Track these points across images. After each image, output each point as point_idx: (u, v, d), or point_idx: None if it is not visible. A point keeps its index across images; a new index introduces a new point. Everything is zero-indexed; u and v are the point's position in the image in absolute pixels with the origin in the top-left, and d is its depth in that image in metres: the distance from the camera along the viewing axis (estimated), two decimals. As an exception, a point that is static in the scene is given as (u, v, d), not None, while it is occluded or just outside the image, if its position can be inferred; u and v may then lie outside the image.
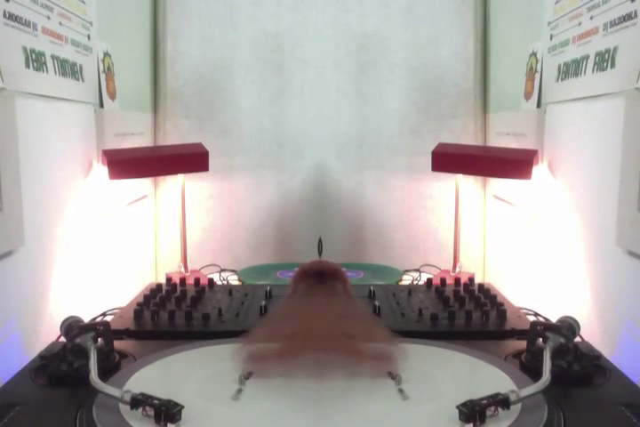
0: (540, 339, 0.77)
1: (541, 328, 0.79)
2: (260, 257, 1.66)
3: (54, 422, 0.63)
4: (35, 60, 0.94)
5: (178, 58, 1.65)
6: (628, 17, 0.89)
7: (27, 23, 0.91)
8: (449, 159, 1.42)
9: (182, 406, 0.60)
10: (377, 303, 0.99)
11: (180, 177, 1.49)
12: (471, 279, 1.17)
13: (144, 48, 1.61)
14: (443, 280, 1.14)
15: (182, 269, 1.50)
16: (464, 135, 1.67)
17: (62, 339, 0.80)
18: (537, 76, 1.26)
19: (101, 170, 1.22)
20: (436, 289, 1.11)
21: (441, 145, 1.46)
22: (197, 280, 1.14)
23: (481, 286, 1.12)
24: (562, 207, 1.16)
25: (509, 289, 1.20)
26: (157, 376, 0.75)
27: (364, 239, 1.71)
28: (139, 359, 0.78)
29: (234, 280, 1.44)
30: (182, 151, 1.46)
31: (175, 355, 0.79)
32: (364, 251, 1.70)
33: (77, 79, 1.12)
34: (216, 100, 1.66)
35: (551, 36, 1.20)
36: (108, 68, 1.28)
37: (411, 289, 1.12)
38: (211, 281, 1.16)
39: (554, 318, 0.85)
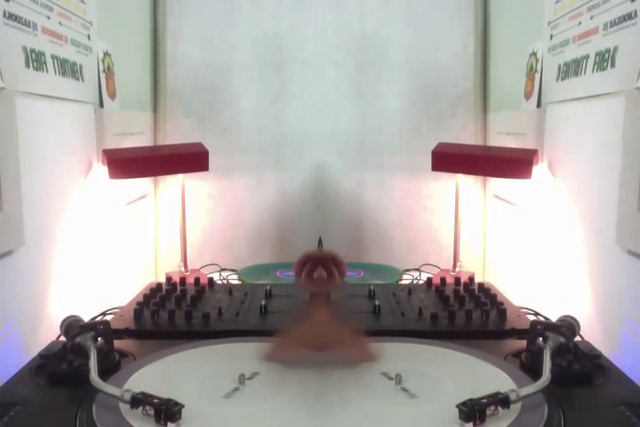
0: (540, 338, 0.78)
1: (541, 328, 0.79)
2: (259, 257, 1.66)
3: (54, 421, 0.63)
4: (35, 59, 0.94)
5: (178, 58, 1.65)
6: (628, 17, 0.89)
7: (27, 23, 0.91)
8: (449, 159, 1.42)
9: (182, 406, 0.60)
10: (377, 303, 0.99)
11: (180, 177, 1.49)
12: (471, 279, 1.17)
13: (144, 48, 1.61)
14: (443, 280, 1.14)
15: (182, 269, 1.50)
16: (464, 135, 1.67)
17: (62, 338, 0.80)
18: (537, 76, 1.27)
19: (101, 169, 1.22)
20: (435, 288, 1.11)
21: (441, 145, 1.46)
22: (197, 280, 1.14)
23: (481, 285, 1.12)
24: (562, 207, 1.16)
25: (509, 288, 1.20)
26: (157, 376, 0.75)
27: (363, 239, 1.71)
28: (139, 359, 0.78)
29: (234, 280, 1.44)
30: (182, 151, 1.46)
31: (175, 354, 0.79)
32: (364, 250, 1.70)
33: (77, 79, 1.12)
34: (216, 100, 1.66)
35: (551, 36, 1.20)
36: (108, 68, 1.28)
37: (411, 288, 1.12)
38: (211, 280, 1.16)
39: (554, 318, 0.85)
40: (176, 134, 1.66)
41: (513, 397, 0.62)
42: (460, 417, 0.60)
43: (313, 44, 1.63)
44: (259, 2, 1.64)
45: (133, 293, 1.11)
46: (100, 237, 1.24)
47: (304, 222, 1.66)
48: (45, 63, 0.98)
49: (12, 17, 0.86)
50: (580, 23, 1.06)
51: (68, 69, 1.08)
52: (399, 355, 0.78)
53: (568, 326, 0.80)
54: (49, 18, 0.99)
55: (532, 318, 0.95)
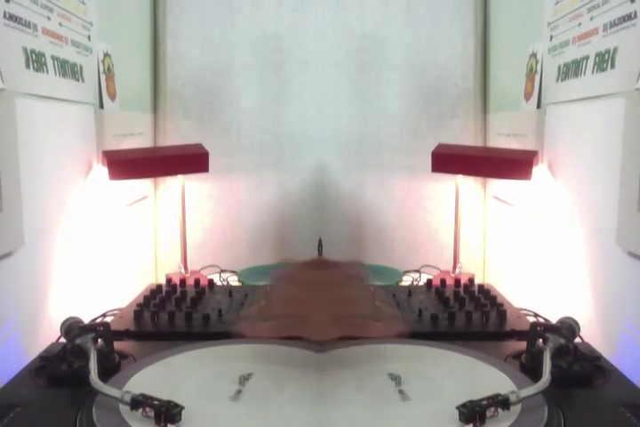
0: (540, 340, 0.77)
1: (541, 329, 0.79)
2: (260, 257, 1.66)
3: (54, 422, 0.63)
4: (35, 60, 0.94)
5: (178, 58, 1.65)
6: (628, 17, 0.89)
7: (27, 24, 0.91)
8: (449, 160, 1.42)
9: (182, 407, 0.60)
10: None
11: (180, 178, 1.49)
12: (471, 280, 1.17)
13: (144, 48, 1.61)
14: (443, 281, 1.14)
15: (182, 270, 1.50)
16: (464, 136, 1.67)
17: (62, 340, 0.80)
18: (537, 77, 1.26)
19: (101, 171, 1.22)
20: (436, 290, 1.11)
21: (441, 146, 1.46)
22: (197, 281, 1.15)
23: (481, 286, 1.12)
24: (562, 208, 1.16)
25: (509, 290, 1.20)
26: (157, 377, 0.75)
27: (364, 240, 1.71)
28: (139, 360, 0.78)
29: (234, 281, 1.44)
30: (182, 152, 1.46)
31: (175, 356, 0.79)
32: (364, 251, 1.70)
33: (77, 80, 1.12)
34: (216, 101, 1.66)
35: (551, 37, 1.20)
36: (108, 69, 1.28)
37: (411, 290, 1.12)
38: (211, 282, 1.16)
39: (554, 319, 0.85)
40: (176, 135, 1.66)
41: (513, 398, 0.62)
42: (460, 419, 0.60)
43: (313, 44, 1.63)
44: (259, 2, 1.64)
45: (133, 294, 1.11)
46: (100, 238, 1.24)
47: (304, 223, 1.65)
48: (45, 64, 0.98)
49: (12, 18, 0.86)
50: (579, 24, 1.06)
51: (69, 70, 1.08)
52: (399, 356, 0.78)
53: (568, 328, 0.79)
54: (49, 19, 0.99)
55: (532, 319, 0.96)
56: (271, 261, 1.61)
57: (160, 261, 1.70)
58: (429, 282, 1.16)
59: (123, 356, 0.80)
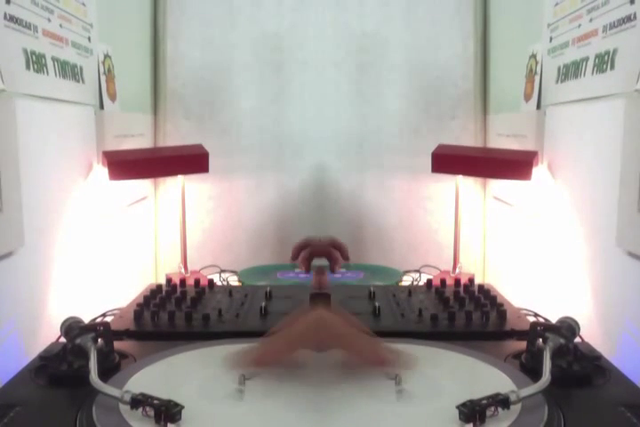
0: (540, 339, 0.77)
1: (541, 329, 0.79)
2: (260, 258, 1.66)
3: (54, 422, 0.63)
4: (35, 61, 0.94)
5: (178, 59, 1.66)
6: (628, 19, 0.89)
7: (27, 25, 0.91)
8: (449, 161, 1.43)
9: (182, 407, 0.60)
10: (377, 304, 0.99)
11: (180, 178, 1.49)
12: (471, 280, 1.17)
13: (144, 49, 1.61)
14: (443, 281, 1.14)
15: (182, 270, 1.50)
16: (464, 136, 1.67)
17: (62, 339, 0.80)
18: (537, 78, 1.27)
19: (101, 171, 1.22)
20: (436, 290, 1.11)
21: (441, 146, 1.46)
22: (197, 281, 1.15)
23: (481, 286, 1.12)
24: (562, 208, 1.16)
25: (509, 290, 1.21)
26: (157, 377, 0.75)
27: (363, 240, 1.71)
28: (139, 360, 0.78)
29: (234, 281, 1.44)
30: (182, 152, 1.46)
31: (175, 355, 0.79)
32: (364, 251, 1.70)
33: (78, 81, 1.13)
34: (216, 101, 1.66)
35: (551, 38, 1.20)
36: (109, 70, 1.29)
37: (411, 290, 1.12)
38: (211, 282, 1.16)
39: (554, 319, 0.85)
40: (176, 135, 1.66)
41: (513, 398, 0.62)
42: (460, 418, 0.60)
43: (313, 45, 1.63)
44: (259, 2, 1.64)
45: (133, 294, 1.12)
46: (100, 238, 1.24)
47: (304, 223, 1.66)
48: (46, 65, 0.98)
49: (12, 19, 0.86)
50: (579, 25, 1.07)
51: (69, 71, 1.08)
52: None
53: (568, 328, 0.80)
54: (49, 20, 1.00)
55: (532, 319, 0.96)
56: (271, 262, 1.62)
57: (160, 262, 1.70)
58: (429, 282, 1.16)
59: (123, 356, 0.80)
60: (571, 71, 1.10)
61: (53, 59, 1.01)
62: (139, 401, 0.61)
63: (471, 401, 0.60)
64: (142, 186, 1.56)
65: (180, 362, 0.78)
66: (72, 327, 0.79)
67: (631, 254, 0.89)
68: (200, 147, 1.46)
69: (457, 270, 1.50)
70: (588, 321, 0.98)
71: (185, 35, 1.65)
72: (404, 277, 1.47)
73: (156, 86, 1.66)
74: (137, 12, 1.57)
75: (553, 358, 0.72)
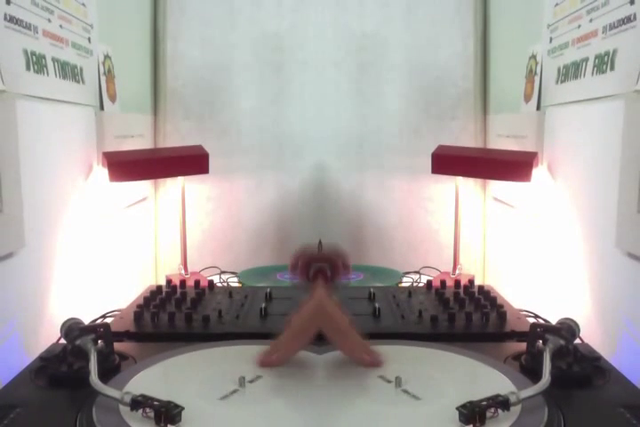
0: (540, 341, 0.78)
1: (541, 330, 0.79)
2: (260, 258, 1.66)
3: (54, 423, 0.63)
4: (35, 62, 0.94)
5: (178, 59, 1.66)
6: (628, 20, 0.89)
7: (27, 26, 0.91)
8: (449, 162, 1.43)
9: (182, 408, 0.60)
10: (377, 305, 0.99)
11: (180, 179, 1.49)
12: (471, 281, 1.17)
13: (144, 50, 1.61)
14: (443, 282, 1.14)
15: (182, 271, 1.50)
16: (464, 137, 1.67)
17: (62, 341, 0.80)
18: (536, 79, 1.27)
19: (101, 172, 1.22)
20: (435, 291, 1.11)
21: (440, 147, 1.46)
22: (197, 282, 1.15)
23: (481, 287, 1.12)
24: (561, 209, 1.16)
25: (509, 291, 1.21)
26: (157, 378, 0.75)
27: (363, 240, 1.71)
28: (139, 361, 0.78)
29: (234, 282, 1.44)
30: (182, 153, 1.46)
31: (175, 357, 0.79)
32: (364, 252, 1.70)
33: (78, 82, 1.13)
34: (216, 101, 1.66)
35: (551, 39, 1.20)
36: (109, 71, 1.29)
37: (411, 291, 1.12)
38: (211, 283, 1.16)
39: (554, 320, 0.85)
40: (176, 136, 1.66)
41: (513, 399, 0.62)
42: (460, 419, 0.60)
43: (313, 45, 1.63)
44: (259, 2, 1.64)
45: (133, 295, 1.12)
46: (101, 239, 1.24)
47: (304, 223, 1.66)
48: (46, 66, 0.98)
49: (12, 20, 0.86)
50: (579, 26, 1.07)
51: (69, 72, 1.08)
52: (399, 357, 0.78)
53: (568, 329, 0.80)
54: (50, 21, 1.00)
55: (531, 320, 0.96)
56: (271, 262, 1.62)
57: (160, 263, 1.70)
58: (429, 283, 1.16)
59: (123, 357, 0.80)
60: (571, 72, 1.10)
61: (54, 59, 1.01)
62: (139, 402, 0.61)
63: (471, 402, 0.61)
64: (142, 187, 1.56)
65: (180, 363, 0.78)
66: (72, 329, 0.79)
67: (631, 255, 0.89)
68: (200, 148, 1.46)
69: (457, 271, 1.50)
70: (588, 322, 0.98)
71: (185, 35, 1.65)
72: (404, 279, 1.47)
73: (156, 87, 1.66)
74: (137, 12, 1.57)
75: (553, 359, 0.72)
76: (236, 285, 1.41)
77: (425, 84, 1.67)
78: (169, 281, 1.16)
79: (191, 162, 1.43)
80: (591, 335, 0.92)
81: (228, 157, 1.65)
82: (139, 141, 1.51)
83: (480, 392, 0.63)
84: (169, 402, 0.61)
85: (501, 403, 0.61)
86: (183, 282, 1.15)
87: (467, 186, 1.61)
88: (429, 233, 1.70)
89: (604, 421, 0.64)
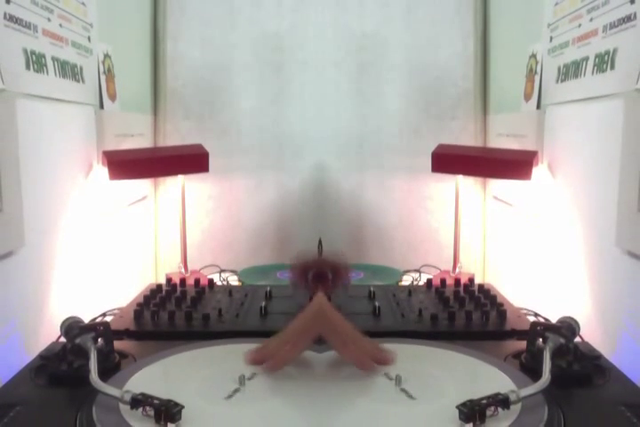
0: (540, 339, 0.78)
1: (541, 329, 0.79)
2: (259, 257, 1.66)
3: (54, 422, 0.63)
4: (35, 61, 0.94)
5: (178, 59, 1.66)
6: (628, 19, 0.89)
7: (27, 25, 0.91)
8: (449, 160, 1.43)
9: (182, 406, 0.60)
10: (377, 304, 0.99)
11: (180, 178, 1.49)
12: (471, 280, 1.17)
13: (144, 49, 1.61)
14: (443, 281, 1.14)
15: (182, 270, 1.50)
16: (464, 136, 1.67)
17: (62, 339, 0.80)
18: (537, 78, 1.27)
19: (101, 171, 1.22)
20: (436, 290, 1.11)
21: (440, 146, 1.46)
22: (197, 281, 1.15)
23: (481, 286, 1.12)
24: (562, 208, 1.16)
25: (509, 290, 1.21)
26: (157, 377, 0.75)
27: (363, 240, 1.71)
28: (139, 360, 0.78)
29: (234, 281, 1.44)
30: (182, 152, 1.46)
31: (175, 355, 0.79)
32: (364, 251, 1.70)
33: (78, 81, 1.13)
34: (216, 101, 1.67)
35: (551, 38, 1.20)
36: (109, 70, 1.29)
37: (411, 290, 1.12)
38: (211, 282, 1.16)
39: (554, 319, 0.85)
40: (176, 136, 1.66)
41: (513, 397, 0.62)
42: (460, 418, 0.60)
43: (313, 45, 1.63)
44: (259, 2, 1.64)
45: (133, 294, 1.12)
46: (101, 238, 1.24)
47: (304, 223, 1.66)
48: (46, 65, 0.98)
49: (12, 19, 0.86)
50: (579, 25, 1.07)
51: (69, 71, 1.08)
52: (399, 356, 0.78)
53: (568, 327, 0.80)
54: (49, 20, 1.00)
55: (531, 319, 0.96)
56: (271, 261, 1.62)
57: (160, 261, 1.70)
58: (429, 282, 1.16)
59: (123, 355, 0.80)
60: (571, 71, 1.10)
61: (53, 58, 1.01)
62: (139, 401, 0.61)
63: (471, 401, 0.60)
64: (142, 186, 1.56)
65: (180, 362, 0.78)
66: (72, 327, 0.79)
67: (631, 254, 0.89)
68: (200, 147, 1.46)
69: (457, 270, 1.50)
70: (588, 320, 0.98)
71: (185, 35, 1.65)
72: (404, 277, 1.47)
73: (156, 86, 1.66)
74: (137, 12, 1.57)
75: (553, 357, 0.72)
76: (236, 283, 1.41)
77: (425, 84, 1.67)
78: (169, 279, 1.16)
79: (191, 161, 1.44)
80: (591, 334, 0.92)
81: (227, 156, 1.65)
82: (138, 141, 1.51)
83: (480, 391, 0.63)
84: (169, 401, 0.61)
85: (501, 401, 0.61)
86: (183, 280, 1.15)
87: (467, 185, 1.61)
88: (429, 232, 1.70)
89: (605, 419, 0.64)
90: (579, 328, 0.81)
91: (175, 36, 1.65)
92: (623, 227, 0.91)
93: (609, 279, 0.98)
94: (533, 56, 1.29)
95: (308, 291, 0.87)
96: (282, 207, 1.69)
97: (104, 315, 0.99)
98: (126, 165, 1.26)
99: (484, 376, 0.75)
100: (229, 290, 1.12)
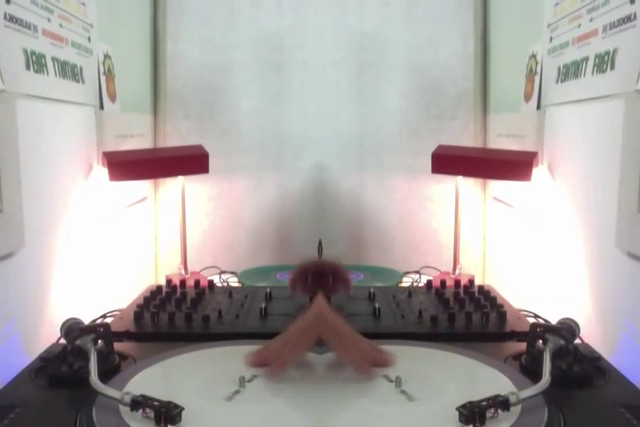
0: (540, 341, 0.77)
1: (541, 330, 0.79)
2: (260, 258, 1.66)
3: (54, 423, 0.63)
4: (35, 61, 0.94)
5: (178, 59, 1.66)
6: (628, 19, 0.89)
7: (27, 25, 0.91)
8: (449, 161, 1.43)
9: (182, 408, 0.60)
10: (377, 305, 0.99)
11: (180, 179, 1.49)
12: (471, 281, 1.17)
13: (144, 49, 1.61)
14: (443, 282, 1.14)
15: (182, 271, 1.50)
16: (464, 137, 1.67)
17: (62, 341, 0.80)
18: (537, 78, 1.27)
19: (101, 172, 1.22)
20: (436, 291, 1.11)
21: (440, 147, 1.46)
22: (197, 282, 1.15)
23: (481, 287, 1.12)
24: (561, 209, 1.16)
25: (509, 291, 1.21)
26: (157, 378, 0.75)
27: (364, 240, 1.71)
28: (139, 361, 0.78)
29: (234, 282, 1.44)
30: (182, 153, 1.46)
31: (175, 357, 0.79)
32: (364, 252, 1.70)
33: (78, 81, 1.13)
34: (216, 101, 1.66)
35: (551, 38, 1.20)
36: (109, 70, 1.29)
37: (411, 291, 1.12)
38: (211, 283, 1.16)
39: (554, 320, 0.85)
40: (176, 136, 1.66)
41: (513, 399, 0.62)
42: (460, 420, 0.60)
43: (313, 45, 1.63)
44: (259, 2, 1.64)
45: (133, 295, 1.12)
46: (101, 239, 1.24)
47: (304, 223, 1.66)
48: (46, 65, 0.98)
49: (12, 19, 0.86)
50: (579, 25, 1.06)
51: (69, 71, 1.08)
52: (399, 357, 0.78)
53: (568, 329, 0.80)
54: (49, 20, 0.99)
55: (531, 320, 0.96)
56: (271, 262, 1.62)
57: (160, 262, 1.70)
58: (429, 283, 1.16)
59: (123, 357, 0.80)
60: (571, 71, 1.10)
61: (53, 59, 1.01)
62: (139, 403, 0.61)
63: (471, 403, 0.60)
64: (142, 186, 1.56)
65: (180, 363, 0.78)
66: (72, 329, 0.79)
67: (630, 255, 0.89)
68: (200, 147, 1.46)
69: (457, 271, 1.50)
70: (588, 322, 0.98)
71: (185, 35, 1.65)
72: (404, 278, 1.47)
73: (156, 86, 1.66)
74: (137, 12, 1.57)
75: (553, 359, 0.72)
76: (236, 285, 1.41)
77: (425, 83, 1.67)
78: (169, 281, 1.16)
79: (191, 162, 1.43)
80: (591, 335, 0.92)
81: (227, 156, 1.65)
82: (139, 141, 1.51)
83: (480, 392, 0.63)
84: (169, 402, 0.61)
85: (501, 403, 0.61)
86: (183, 282, 1.15)
87: (467, 186, 1.61)
88: (429, 233, 1.70)
89: (605, 421, 0.64)
90: (579, 330, 0.81)
91: (175, 36, 1.65)
92: (623, 227, 0.90)
93: (609, 280, 0.98)
94: (533, 56, 1.29)
95: (308, 293, 0.87)
96: (282, 207, 1.69)
97: (104, 316, 0.99)
98: (126, 165, 1.26)
99: (483, 378, 0.75)
100: (229, 291, 1.12)
